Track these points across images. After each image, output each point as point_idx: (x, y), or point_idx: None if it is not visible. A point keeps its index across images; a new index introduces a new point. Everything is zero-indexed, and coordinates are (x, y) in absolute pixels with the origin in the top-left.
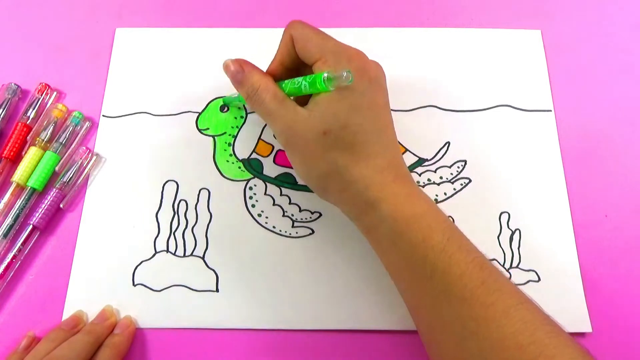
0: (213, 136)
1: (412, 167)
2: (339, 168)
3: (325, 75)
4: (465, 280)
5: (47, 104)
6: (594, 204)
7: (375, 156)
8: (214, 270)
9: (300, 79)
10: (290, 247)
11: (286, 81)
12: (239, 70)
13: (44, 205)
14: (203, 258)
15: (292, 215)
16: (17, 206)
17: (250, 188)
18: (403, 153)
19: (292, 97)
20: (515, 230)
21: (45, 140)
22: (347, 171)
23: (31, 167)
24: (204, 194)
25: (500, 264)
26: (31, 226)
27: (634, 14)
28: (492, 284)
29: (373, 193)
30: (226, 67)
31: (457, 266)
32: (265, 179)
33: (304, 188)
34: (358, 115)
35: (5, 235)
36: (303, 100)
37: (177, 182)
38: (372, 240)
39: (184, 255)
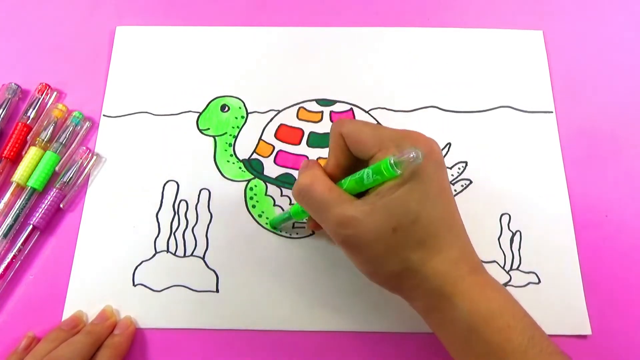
0: (214, 136)
1: None
2: (412, 266)
3: (392, 159)
4: None
5: (47, 104)
6: (594, 205)
7: (449, 248)
8: (214, 271)
9: (361, 170)
10: (290, 247)
11: (344, 179)
12: (302, 166)
13: (44, 205)
14: (203, 258)
15: None
16: (17, 206)
17: (251, 188)
18: None
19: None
20: (516, 231)
21: (45, 140)
22: (421, 268)
23: (31, 167)
24: (205, 194)
25: (500, 266)
26: (31, 226)
27: (636, 15)
28: None
29: (448, 288)
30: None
31: None
32: (266, 180)
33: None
34: (428, 206)
35: (5, 235)
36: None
37: (177, 182)
38: (444, 336)
39: (184, 256)
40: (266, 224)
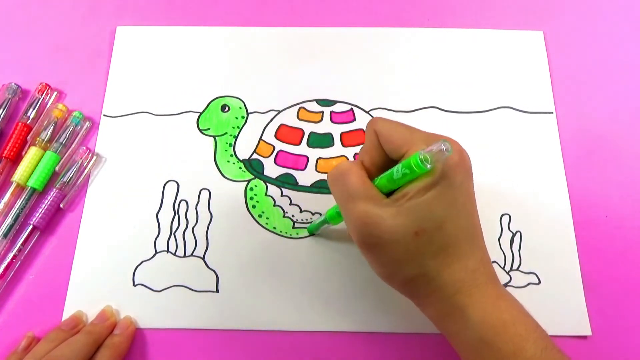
0: (214, 136)
1: None
2: (429, 272)
3: (421, 154)
4: None
5: (47, 104)
6: (594, 205)
7: (468, 257)
8: (214, 271)
9: (393, 167)
10: (290, 248)
11: (379, 177)
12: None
13: (44, 205)
14: (203, 258)
15: (293, 216)
16: (17, 206)
17: (251, 189)
18: None
19: None
20: (516, 232)
21: (45, 140)
22: (438, 276)
23: (31, 167)
24: (205, 194)
25: (500, 267)
26: (31, 226)
27: (635, 16)
28: None
29: (462, 298)
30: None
31: None
32: (266, 180)
33: (305, 189)
34: (454, 213)
35: (5, 235)
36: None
37: (177, 182)
38: (457, 344)
39: (184, 256)
40: (262, 219)
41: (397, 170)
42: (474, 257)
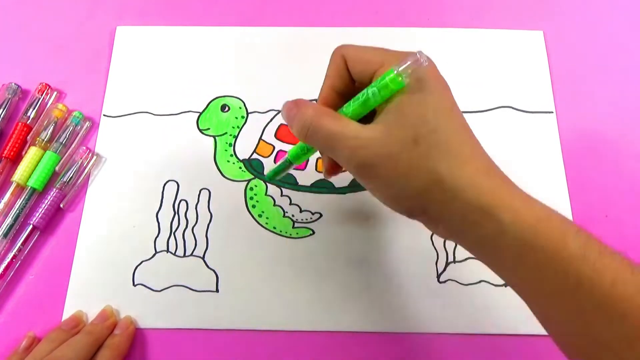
0: (214, 136)
1: None
2: (442, 177)
3: (396, 68)
4: (621, 291)
5: (47, 103)
6: (594, 205)
7: (476, 159)
8: (214, 271)
9: (363, 91)
10: (290, 247)
11: (344, 105)
12: (291, 107)
13: (44, 205)
14: (203, 258)
15: (293, 215)
16: (17, 206)
17: (251, 188)
18: None
19: None
20: None
21: (45, 140)
22: (453, 179)
23: (31, 167)
24: (205, 194)
25: None
26: (31, 226)
27: (636, 16)
28: None
29: (486, 200)
30: (282, 107)
31: (606, 274)
32: (266, 180)
33: (305, 189)
34: (445, 117)
35: (5, 235)
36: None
37: (177, 182)
38: (489, 257)
39: (184, 255)
40: (262, 219)
41: (372, 93)
42: (482, 159)
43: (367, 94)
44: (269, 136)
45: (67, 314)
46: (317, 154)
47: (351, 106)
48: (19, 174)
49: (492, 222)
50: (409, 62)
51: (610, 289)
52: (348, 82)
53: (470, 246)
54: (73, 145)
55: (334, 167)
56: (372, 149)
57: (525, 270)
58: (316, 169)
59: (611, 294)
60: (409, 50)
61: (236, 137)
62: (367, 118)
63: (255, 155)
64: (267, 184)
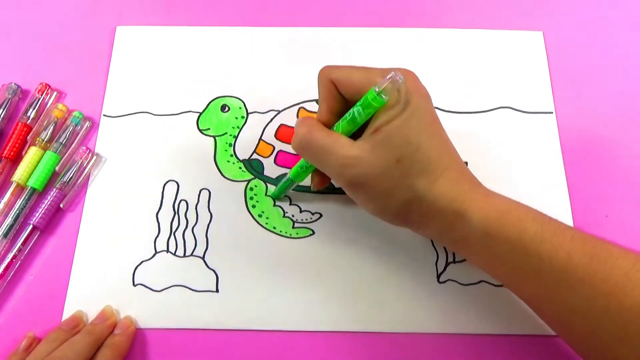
0: (214, 136)
1: None
2: (420, 192)
3: (376, 88)
4: (576, 261)
5: (47, 103)
6: (594, 205)
7: (448, 169)
8: (214, 271)
9: (350, 110)
10: (290, 247)
11: (336, 124)
12: (296, 123)
13: (44, 205)
14: (203, 258)
15: (293, 216)
16: (17, 206)
17: (251, 189)
18: None
19: None
20: None
21: (45, 140)
22: (429, 193)
23: (31, 167)
24: (205, 194)
25: None
26: (31, 226)
27: (636, 16)
28: (601, 254)
29: (457, 205)
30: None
31: (561, 249)
32: (266, 180)
33: (305, 189)
34: (426, 134)
35: (5, 235)
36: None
37: (177, 182)
38: (465, 252)
39: (184, 256)
40: (262, 219)
41: (357, 112)
42: (454, 169)
43: (354, 113)
44: (269, 136)
45: (67, 314)
46: None
47: (341, 124)
48: (19, 174)
49: (463, 223)
50: (386, 81)
51: (566, 261)
52: (342, 102)
53: (448, 245)
54: (73, 145)
55: (321, 181)
56: (359, 168)
57: (495, 261)
58: None
59: (568, 265)
60: (388, 68)
61: (236, 137)
62: (360, 130)
63: (255, 156)
64: (267, 184)
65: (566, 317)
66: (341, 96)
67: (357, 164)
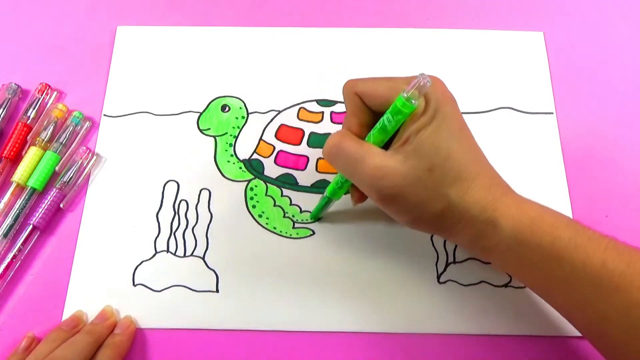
0: (214, 136)
1: None
2: (452, 201)
3: (404, 94)
4: (611, 268)
5: (47, 103)
6: (594, 205)
7: (480, 176)
8: (214, 271)
9: (381, 119)
10: (290, 248)
11: (369, 134)
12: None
13: (44, 205)
14: (203, 258)
15: (293, 216)
16: (17, 206)
17: (251, 189)
18: None
19: None
20: None
21: (45, 140)
22: (461, 201)
23: (31, 167)
24: (205, 194)
25: None
26: (31, 226)
27: (636, 16)
28: (637, 262)
29: (489, 213)
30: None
31: (595, 256)
32: (266, 180)
33: (305, 189)
34: (456, 141)
35: (5, 235)
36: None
37: (177, 182)
38: (496, 259)
39: (184, 256)
40: (262, 219)
41: (387, 120)
42: (485, 175)
43: (383, 121)
44: (270, 136)
45: (67, 314)
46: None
47: (372, 135)
48: (19, 174)
49: (495, 231)
50: (413, 85)
51: (601, 269)
52: (370, 114)
53: (479, 252)
54: (73, 145)
55: (361, 196)
56: (391, 179)
57: (525, 265)
58: (316, 170)
59: (602, 273)
60: (412, 75)
61: (236, 137)
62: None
63: (255, 156)
64: (267, 184)
65: (599, 326)
66: (368, 108)
67: (389, 176)
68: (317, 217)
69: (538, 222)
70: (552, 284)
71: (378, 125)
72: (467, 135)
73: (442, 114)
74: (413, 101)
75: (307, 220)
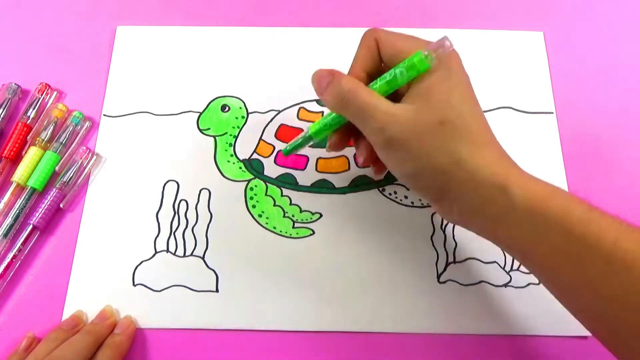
0: (214, 136)
1: None
2: (462, 158)
3: (424, 51)
4: (624, 246)
5: (47, 103)
6: (594, 205)
7: (491, 145)
8: (214, 271)
9: (390, 71)
10: (290, 247)
11: (373, 83)
12: (324, 75)
13: (44, 205)
14: (203, 258)
15: (293, 216)
16: (17, 206)
17: (251, 188)
18: None
19: None
20: None
21: (45, 140)
22: (471, 160)
23: (31, 167)
24: (205, 194)
25: (500, 267)
26: (31, 226)
27: (636, 16)
28: None
29: (500, 178)
30: (313, 75)
31: (609, 233)
32: (266, 180)
33: (305, 189)
34: (470, 103)
35: (5, 235)
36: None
37: (177, 182)
38: (503, 231)
39: (184, 255)
40: (262, 219)
41: (400, 72)
42: (495, 145)
43: (395, 74)
44: (269, 136)
45: (67, 314)
46: (323, 152)
47: (378, 84)
48: (19, 174)
49: (504, 198)
50: (436, 44)
51: (613, 245)
52: (378, 64)
53: (483, 225)
54: (73, 145)
55: (339, 143)
56: (402, 126)
57: (535, 239)
58: (316, 169)
59: (615, 250)
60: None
61: (236, 137)
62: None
63: (255, 156)
64: (267, 184)
65: (606, 307)
66: (379, 58)
67: (400, 122)
68: (289, 152)
69: (551, 196)
70: (562, 260)
71: (387, 76)
72: (478, 107)
73: (456, 79)
74: (430, 60)
75: (307, 220)
